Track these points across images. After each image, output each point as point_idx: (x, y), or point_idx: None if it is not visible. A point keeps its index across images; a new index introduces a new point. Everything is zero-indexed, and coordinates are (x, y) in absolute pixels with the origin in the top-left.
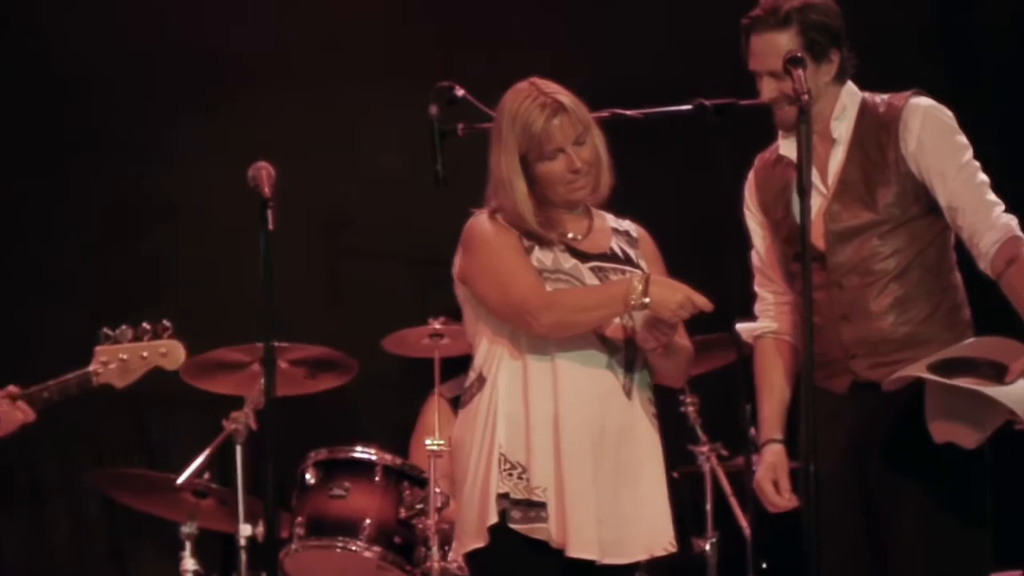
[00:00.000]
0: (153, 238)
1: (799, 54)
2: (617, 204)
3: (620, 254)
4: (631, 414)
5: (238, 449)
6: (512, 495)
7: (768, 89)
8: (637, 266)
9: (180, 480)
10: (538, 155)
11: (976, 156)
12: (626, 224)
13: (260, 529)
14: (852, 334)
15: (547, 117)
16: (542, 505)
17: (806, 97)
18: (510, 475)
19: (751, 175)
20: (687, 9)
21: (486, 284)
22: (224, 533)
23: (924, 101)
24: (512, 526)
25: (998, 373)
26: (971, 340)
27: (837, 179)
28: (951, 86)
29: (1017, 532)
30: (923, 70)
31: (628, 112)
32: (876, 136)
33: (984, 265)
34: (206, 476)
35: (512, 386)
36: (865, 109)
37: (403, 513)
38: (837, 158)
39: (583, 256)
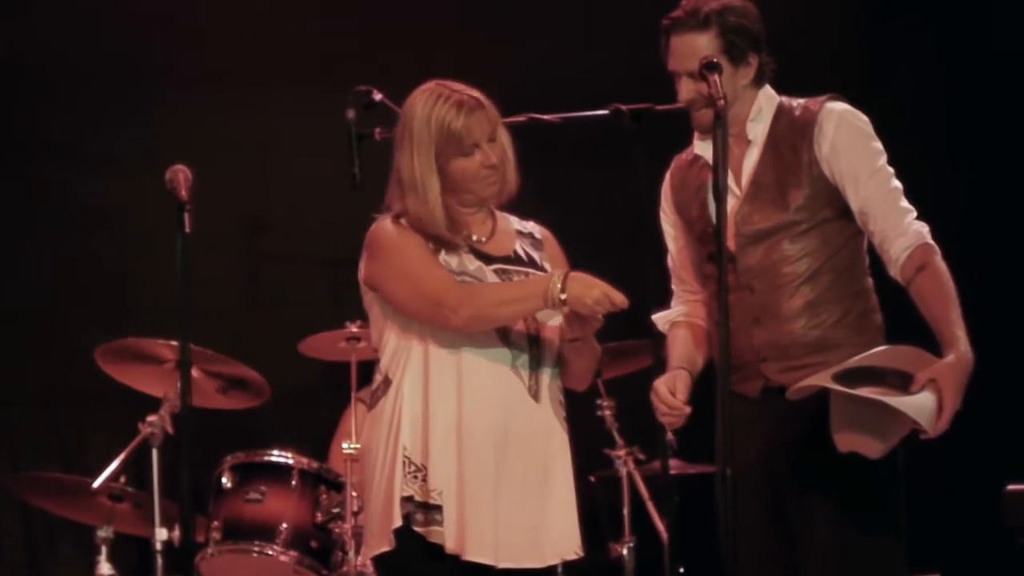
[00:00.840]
0: (75, 239)
1: (715, 59)
2: (536, 207)
3: (524, 256)
4: (539, 417)
5: (154, 453)
6: (416, 498)
7: (686, 90)
8: (542, 268)
9: (96, 484)
10: (455, 151)
11: (890, 159)
12: (530, 226)
13: (176, 533)
14: (763, 337)
15: (466, 113)
16: (438, 508)
17: (722, 102)
18: (415, 478)
19: (667, 176)
20: (608, 12)
21: (397, 285)
22: (140, 537)
23: (839, 105)
24: (415, 528)
25: (904, 382)
26: (880, 348)
27: (750, 180)
28: (865, 88)
29: (932, 536)
30: (836, 73)
31: (545, 117)
32: (791, 138)
33: (894, 271)
34: (122, 480)
35: (416, 388)
36: (781, 112)
37: (319, 517)
38: (751, 159)
39: (487, 258)
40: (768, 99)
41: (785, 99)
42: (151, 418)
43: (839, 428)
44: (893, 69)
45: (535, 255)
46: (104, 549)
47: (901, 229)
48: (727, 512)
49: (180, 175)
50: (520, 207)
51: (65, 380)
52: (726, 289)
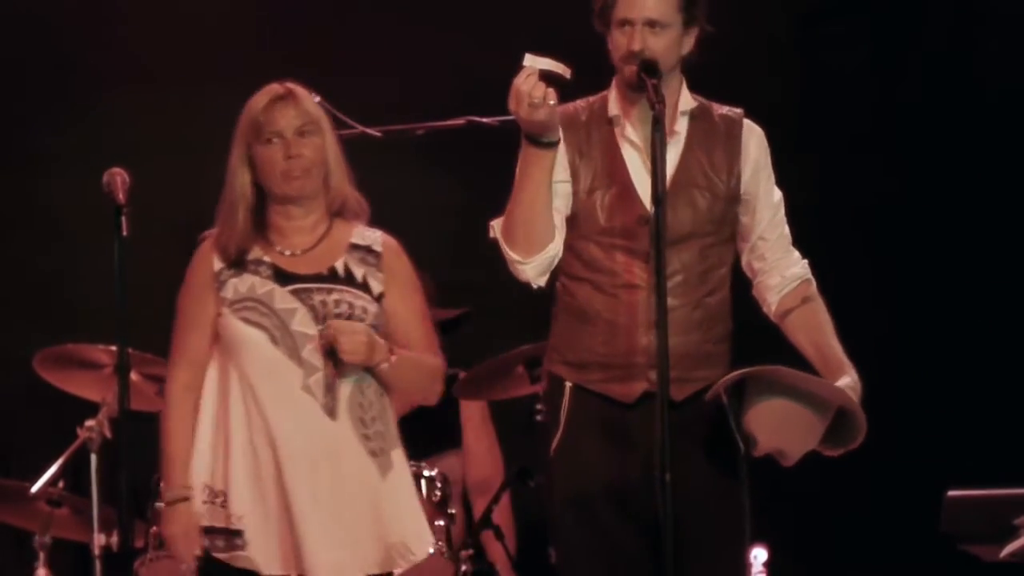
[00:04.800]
0: (12, 241)
1: (655, 60)
2: (476, 210)
3: (342, 273)
4: (335, 435)
5: (93, 457)
6: (213, 524)
7: (639, 40)
8: (363, 286)
9: (34, 489)
10: (255, 137)
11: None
12: (372, 237)
13: (115, 538)
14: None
15: (270, 100)
16: (239, 533)
17: (660, 106)
18: (213, 503)
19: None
20: (545, 17)
21: (174, 324)
22: (79, 543)
23: (755, 125)
24: (216, 555)
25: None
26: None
27: (671, 179)
28: (800, 99)
29: (870, 543)
30: (774, 84)
31: (484, 120)
32: (712, 143)
33: (773, 298)
34: (60, 485)
35: (209, 416)
36: (703, 110)
37: None
38: (673, 154)
39: (287, 278)
40: (686, 91)
41: (700, 97)
42: (89, 423)
43: (759, 427)
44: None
45: (360, 271)
46: (42, 555)
47: (793, 259)
48: (665, 516)
49: (117, 178)
50: (459, 209)
51: (1, 384)
52: (664, 294)
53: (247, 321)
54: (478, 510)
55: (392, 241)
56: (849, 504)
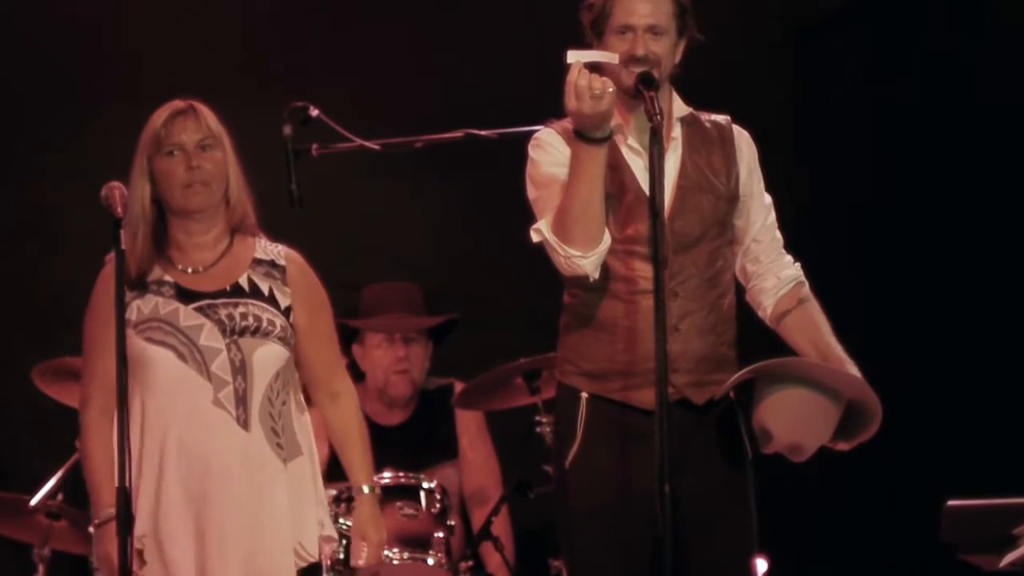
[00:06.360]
0: (11, 254)
1: (654, 72)
2: (475, 222)
3: (247, 288)
4: (251, 446)
5: None
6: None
7: (640, 46)
8: (271, 299)
9: (33, 502)
10: (156, 149)
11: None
12: (275, 251)
13: None
14: (680, 347)
15: (171, 115)
16: (138, 553)
17: (658, 118)
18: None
19: (560, 126)
20: (539, 30)
21: (83, 349)
22: (78, 555)
23: (743, 129)
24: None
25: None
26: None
27: (676, 184)
28: (800, 106)
29: (871, 553)
30: (774, 91)
31: (482, 132)
32: (709, 148)
33: (769, 300)
34: (59, 497)
35: (134, 440)
36: (694, 118)
37: None
38: (673, 160)
39: (190, 296)
40: (677, 97)
41: (689, 105)
42: None
43: (774, 420)
44: (830, 87)
45: (266, 285)
46: (41, 567)
47: (787, 261)
48: (664, 527)
49: (116, 192)
50: (458, 222)
51: (0, 397)
52: (663, 304)
53: (152, 340)
54: (475, 521)
55: (295, 255)
56: (848, 514)
